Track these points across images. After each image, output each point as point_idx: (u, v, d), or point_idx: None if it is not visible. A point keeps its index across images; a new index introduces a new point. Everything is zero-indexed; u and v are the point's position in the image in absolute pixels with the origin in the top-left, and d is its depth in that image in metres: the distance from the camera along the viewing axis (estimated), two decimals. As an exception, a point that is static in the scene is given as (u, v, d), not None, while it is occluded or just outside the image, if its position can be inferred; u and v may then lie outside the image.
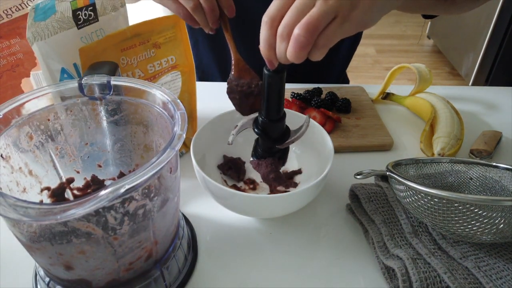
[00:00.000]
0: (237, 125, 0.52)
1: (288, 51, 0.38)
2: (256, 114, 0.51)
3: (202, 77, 0.97)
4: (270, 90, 0.45)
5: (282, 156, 0.54)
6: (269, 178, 0.52)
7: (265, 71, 0.43)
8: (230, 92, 0.52)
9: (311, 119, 0.61)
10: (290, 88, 0.81)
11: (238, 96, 0.51)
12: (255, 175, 0.62)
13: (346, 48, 0.93)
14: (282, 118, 0.49)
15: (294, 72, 0.93)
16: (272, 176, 0.52)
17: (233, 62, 0.52)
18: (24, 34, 0.56)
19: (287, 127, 0.52)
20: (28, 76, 0.60)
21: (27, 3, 0.55)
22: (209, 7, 0.51)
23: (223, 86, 0.87)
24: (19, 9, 0.55)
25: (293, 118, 0.63)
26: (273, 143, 0.51)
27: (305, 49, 0.37)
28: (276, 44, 0.39)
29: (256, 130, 0.51)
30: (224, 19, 0.53)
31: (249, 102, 0.51)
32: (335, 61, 0.94)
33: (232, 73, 0.52)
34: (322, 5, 0.36)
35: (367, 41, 2.91)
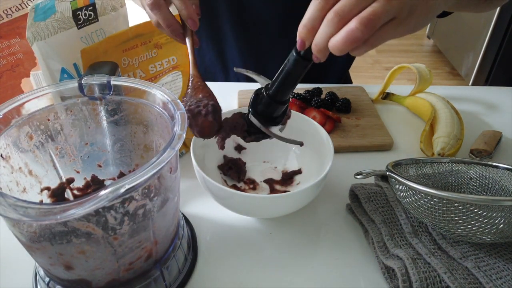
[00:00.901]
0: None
1: (334, 40, 0.35)
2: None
3: (205, 74, 0.97)
4: (290, 74, 0.42)
5: (259, 138, 0.51)
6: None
7: (294, 53, 0.40)
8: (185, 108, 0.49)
9: (311, 119, 0.61)
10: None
11: (189, 114, 0.47)
12: (255, 175, 0.62)
13: None
14: (286, 102, 0.47)
15: None
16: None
17: (190, 78, 0.50)
18: (24, 34, 0.56)
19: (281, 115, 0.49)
20: (28, 76, 0.60)
21: (27, 3, 0.55)
22: (166, 25, 0.50)
23: (223, 85, 0.88)
24: (19, 9, 0.55)
25: (293, 118, 0.63)
26: (264, 122, 0.48)
27: (356, 43, 0.35)
28: (321, 27, 0.36)
29: (251, 109, 0.48)
30: (186, 31, 0.51)
31: (198, 123, 0.47)
32: (337, 60, 0.94)
33: (189, 90, 0.49)
34: (386, 4, 0.34)
35: (367, 41, 2.90)
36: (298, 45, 0.39)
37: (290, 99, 0.77)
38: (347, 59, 0.97)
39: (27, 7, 0.55)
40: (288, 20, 0.84)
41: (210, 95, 0.49)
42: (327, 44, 0.36)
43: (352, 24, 0.34)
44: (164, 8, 0.49)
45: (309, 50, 0.38)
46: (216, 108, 0.48)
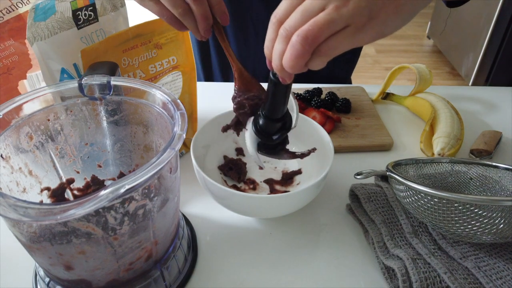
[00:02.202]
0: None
1: (284, 57, 0.34)
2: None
3: (208, 76, 0.97)
4: (274, 94, 0.42)
5: (282, 143, 0.50)
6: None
7: (271, 76, 0.40)
8: (239, 108, 0.48)
9: (311, 119, 0.61)
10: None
11: (250, 111, 0.47)
12: (255, 176, 0.62)
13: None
14: (282, 118, 0.46)
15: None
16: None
17: (235, 74, 0.47)
18: (18, 36, 0.56)
19: (286, 123, 0.48)
20: (25, 78, 0.60)
21: (17, 5, 0.55)
22: (202, 14, 0.45)
23: (223, 86, 0.88)
24: (10, 11, 0.54)
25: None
26: (268, 140, 0.48)
27: (300, 58, 0.33)
28: (275, 45, 0.35)
29: (254, 128, 0.47)
30: (218, 26, 0.48)
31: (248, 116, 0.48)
32: (336, 65, 0.94)
33: (237, 86, 0.47)
34: (331, 12, 0.32)
35: (367, 41, 2.91)
36: (269, 67, 0.38)
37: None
38: (348, 63, 0.97)
39: (17, 8, 0.55)
40: None
41: (261, 86, 0.48)
42: (281, 61, 0.35)
43: (294, 38, 0.33)
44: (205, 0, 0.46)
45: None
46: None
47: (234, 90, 0.48)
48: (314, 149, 0.50)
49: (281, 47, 0.35)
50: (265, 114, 0.45)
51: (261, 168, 0.49)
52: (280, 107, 0.44)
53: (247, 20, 0.84)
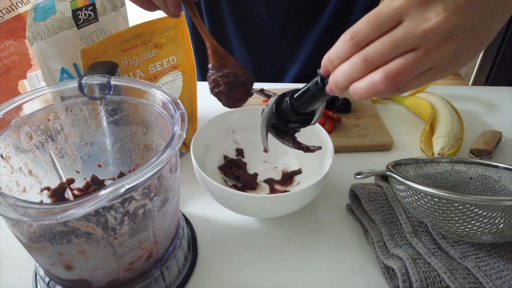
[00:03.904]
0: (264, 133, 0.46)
1: (356, 85, 0.32)
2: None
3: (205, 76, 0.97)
4: (312, 94, 0.40)
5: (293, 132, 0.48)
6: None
7: (319, 80, 0.38)
8: (214, 87, 0.46)
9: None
10: (290, 88, 0.81)
11: (226, 89, 0.45)
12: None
13: None
14: (307, 114, 0.44)
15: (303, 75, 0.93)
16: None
17: (208, 50, 0.45)
18: (18, 36, 0.56)
19: (308, 119, 0.46)
20: (25, 77, 0.60)
21: (17, 5, 0.55)
22: None
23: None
24: (10, 11, 0.54)
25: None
26: (283, 126, 0.45)
27: (376, 94, 0.31)
28: (345, 66, 0.33)
29: (275, 107, 0.45)
30: (188, 1, 0.46)
31: (236, 93, 0.45)
32: None
33: (211, 64, 0.45)
34: (422, 56, 0.30)
35: (367, 41, 2.90)
36: (321, 70, 0.36)
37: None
38: None
39: (17, 8, 0.55)
40: (285, 22, 0.84)
41: (236, 62, 0.45)
42: (348, 85, 0.33)
43: (377, 75, 0.31)
44: None
45: (327, 79, 0.36)
46: (252, 77, 0.46)
47: (208, 68, 0.46)
48: (320, 147, 0.49)
49: (353, 72, 0.32)
50: (293, 103, 0.43)
51: (265, 151, 0.46)
52: (311, 105, 0.42)
53: (248, 19, 0.84)
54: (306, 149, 0.48)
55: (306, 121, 0.45)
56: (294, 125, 0.45)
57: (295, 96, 0.43)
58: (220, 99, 0.46)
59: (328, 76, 0.36)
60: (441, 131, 0.67)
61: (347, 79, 0.33)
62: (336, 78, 0.34)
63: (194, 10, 0.47)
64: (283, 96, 0.45)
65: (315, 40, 0.88)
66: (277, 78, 0.95)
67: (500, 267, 0.45)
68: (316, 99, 0.40)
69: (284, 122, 0.45)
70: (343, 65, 0.33)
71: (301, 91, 0.41)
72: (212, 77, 0.45)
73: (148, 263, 0.42)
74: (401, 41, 0.30)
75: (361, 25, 0.32)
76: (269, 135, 0.47)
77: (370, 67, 0.31)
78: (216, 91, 0.46)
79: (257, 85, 0.49)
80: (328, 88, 0.36)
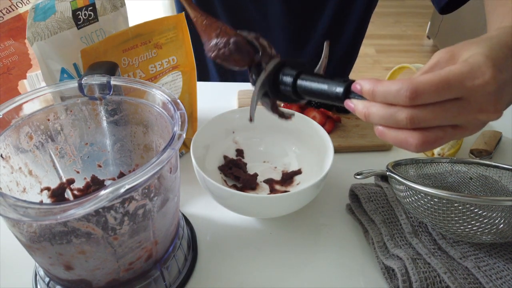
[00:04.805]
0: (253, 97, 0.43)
1: (387, 133, 0.33)
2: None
3: (205, 76, 0.97)
4: (322, 95, 0.39)
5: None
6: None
7: (341, 94, 0.37)
8: (216, 59, 0.43)
9: (311, 119, 0.61)
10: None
11: (221, 62, 0.43)
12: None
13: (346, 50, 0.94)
14: (302, 97, 0.42)
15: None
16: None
17: (195, 25, 0.44)
18: (18, 36, 0.56)
19: (300, 98, 0.43)
20: (25, 77, 0.60)
21: (17, 5, 0.55)
22: None
23: (223, 86, 0.88)
24: (10, 11, 0.54)
25: (293, 118, 0.63)
26: (273, 91, 0.43)
27: (400, 147, 0.32)
28: (384, 112, 0.32)
29: (272, 71, 0.42)
30: None
31: (231, 63, 0.43)
32: (334, 65, 0.95)
33: (203, 39, 0.44)
34: (460, 135, 0.32)
35: (367, 41, 2.89)
36: (353, 87, 0.35)
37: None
38: (347, 63, 0.98)
39: (17, 8, 0.55)
40: (287, 20, 0.84)
41: (221, 29, 0.43)
42: (378, 124, 0.34)
43: (413, 139, 0.31)
44: None
45: (353, 95, 0.35)
46: (238, 43, 0.43)
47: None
48: (293, 114, 0.47)
49: (392, 122, 0.32)
50: (297, 84, 0.41)
51: (251, 120, 0.45)
52: (316, 98, 0.41)
53: (241, 20, 0.84)
54: (282, 114, 0.47)
55: (297, 99, 0.43)
56: (285, 97, 0.43)
57: (303, 79, 0.40)
58: (228, 66, 0.44)
59: (355, 93, 0.35)
60: (441, 131, 0.67)
61: (380, 122, 0.33)
62: (370, 112, 0.33)
63: None
64: (283, 65, 0.42)
65: (311, 45, 0.88)
66: None
67: (500, 267, 0.45)
68: (326, 98, 0.39)
69: (276, 90, 0.43)
70: (386, 109, 0.32)
71: (314, 82, 0.39)
72: (209, 54, 0.44)
73: (148, 263, 0.42)
74: (452, 119, 0.31)
75: (427, 89, 0.30)
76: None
77: (412, 127, 0.31)
78: (221, 62, 0.44)
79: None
80: (350, 106, 0.35)
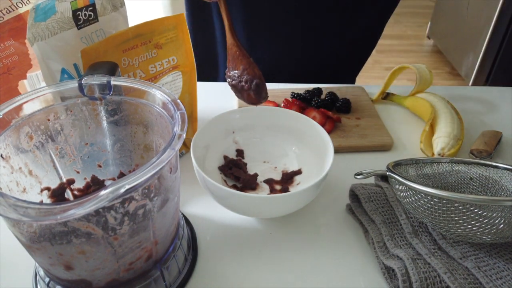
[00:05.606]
0: None
1: None
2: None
3: (214, 76, 0.97)
4: None
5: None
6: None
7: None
8: (230, 84, 0.46)
9: (311, 119, 0.61)
10: (290, 88, 0.81)
11: (234, 90, 0.45)
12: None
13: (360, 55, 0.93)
14: None
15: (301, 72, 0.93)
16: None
17: (228, 49, 0.45)
18: (18, 36, 0.56)
19: None
20: (25, 78, 0.60)
21: (17, 5, 0.55)
22: None
23: (223, 86, 0.88)
24: (10, 11, 0.54)
25: (293, 118, 0.63)
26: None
27: None
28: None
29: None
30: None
31: (244, 96, 0.45)
32: (342, 69, 0.94)
33: (230, 61, 0.45)
34: None
35: (367, 41, 2.91)
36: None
37: (291, 99, 0.76)
38: (355, 70, 0.98)
39: (17, 8, 0.55)
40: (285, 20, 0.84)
41: (250, 66, 0.45)
42: None
43: None
44: None
45: None
46: (259, 86, 0.45)
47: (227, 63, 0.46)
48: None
49: None
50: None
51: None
52: None
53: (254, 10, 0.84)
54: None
55: None
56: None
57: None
58: (238, 97, 0.47)
59: None
60: (441, 131, 0.67)
61: None
62: None
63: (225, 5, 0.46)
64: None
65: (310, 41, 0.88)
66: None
67: (500, 267, 0.45)
68: None
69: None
70: None
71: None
72: (226, 75, 0.46)
73: (148, 263, 0.42)
74: None
75: None
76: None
77: None
78: (234, 91, 0.46)
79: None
80: None
